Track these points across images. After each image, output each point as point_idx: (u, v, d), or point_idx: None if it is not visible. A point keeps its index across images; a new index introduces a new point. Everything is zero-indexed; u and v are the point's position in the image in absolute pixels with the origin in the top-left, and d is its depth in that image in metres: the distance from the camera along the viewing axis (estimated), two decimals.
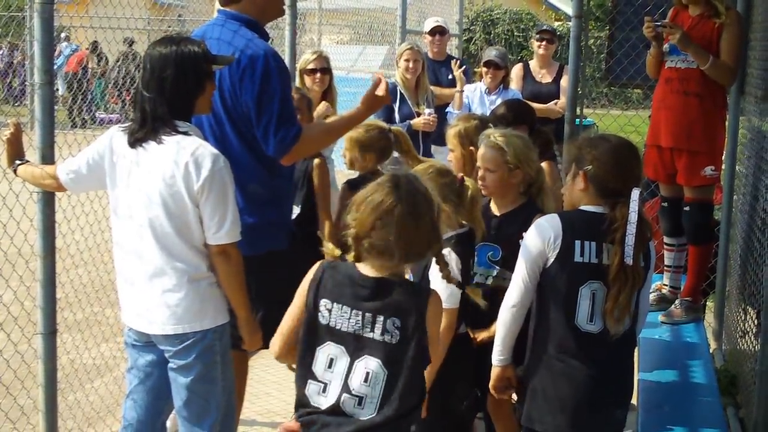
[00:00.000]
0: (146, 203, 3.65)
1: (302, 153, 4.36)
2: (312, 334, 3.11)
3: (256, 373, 6.17)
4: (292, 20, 7.26)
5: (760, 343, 4.63)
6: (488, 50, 8.36)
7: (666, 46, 5.61)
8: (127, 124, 3.78)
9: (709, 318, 7.29)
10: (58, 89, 19.72)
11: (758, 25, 6.11)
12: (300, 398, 3.15)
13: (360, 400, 3.05)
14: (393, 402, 3.03)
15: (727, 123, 6.11)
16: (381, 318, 3.03)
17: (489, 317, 3.97)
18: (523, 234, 3.72)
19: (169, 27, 21.09)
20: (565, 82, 7.84)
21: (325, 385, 3.08)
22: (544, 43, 8.35)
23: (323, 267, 3.15)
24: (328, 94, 6.87)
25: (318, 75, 6.77)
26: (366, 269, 3.08)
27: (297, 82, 6.76)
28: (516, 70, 8.84)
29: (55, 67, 19.61)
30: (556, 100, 8.14)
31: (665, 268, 6.04)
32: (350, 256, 3.11)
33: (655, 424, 4.44)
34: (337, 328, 3.07)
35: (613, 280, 3.47)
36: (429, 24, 8.62)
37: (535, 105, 8.22)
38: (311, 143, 4.34)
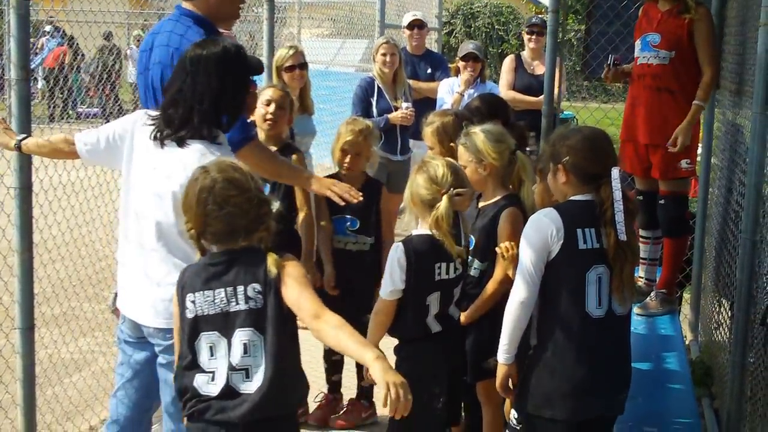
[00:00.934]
0: (157, 200, 3.67)
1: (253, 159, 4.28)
2: (186, 332, 3.22)
3: None
4: (270, 14, 7.27)
5: (733, 334, 4.69)
6: (465, 44, 8.39)
7: (637, 43, 5.66)
8: (155, 116, 3.74)
9: (686, 310, 7.36)
10: (37, 81, 19.66)
11: (732, 20, 6.16)
12: (190, 392, 3.21)
13: (246, 372, 3.13)
14: (275, 363, 3.11)
15: (702, 117, 6.16)
16: (241, 288, 3.15)
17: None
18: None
19: (146, 21, 21.00)
20: (556, 74, 7.85)
21: (213, 373, 3.17)
22: (534, 36, 8.37)
23: (182, 271, 3.33)
24: (303, 89, 6.83)
25: (297, 71, 6.72)
26: (214, 249, 3.24)
27: (273, 79, 6.72)
28: (507, 62, 8.87)
29: (39, 60, 19.61)
30: None
31: (641, 260, 6.09)
32: (198, 256, 3.29)
33: (629, 414, 4.47)
34: (206, 314, 3.17)
35: (613, 259, 3.57)
36: (407, 18, 8.63)
37: (527, 97, 8.31)
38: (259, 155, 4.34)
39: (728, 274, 5.45)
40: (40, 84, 20.29)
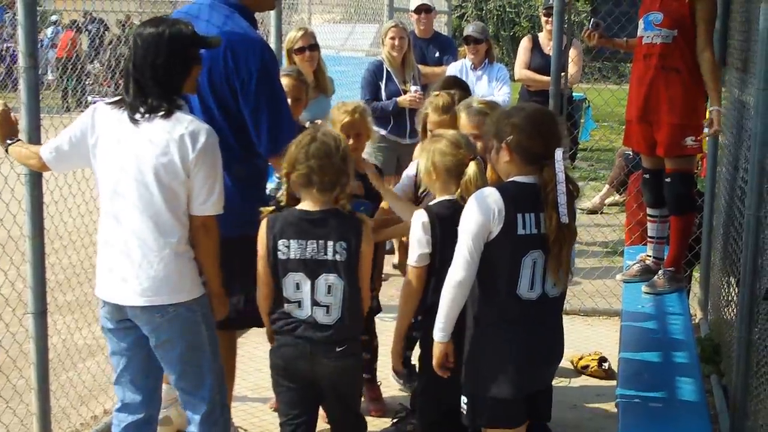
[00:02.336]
0: (137, 173, 3.70)
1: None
2: (276, 270, 3.86)
3: (246, 350, 6.25)
4: (278, 1, 7.30)
5: (738, 310, 4.71)
6: (467, 26, 8.45)
7: (640, 22, 5.66)
8: (113, 100, 3.84)
9: (695, 288, 7.39)
10: (47, 72, 19.70)
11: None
12: (279, 313, 3.92)
13: (327, 308, 3.86)
14: (350, 303, 3.88)
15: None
16: (331, 243, 3.82)
17: None
18: None
19: (158, 11, 21.00)
20: (573, 54, 7.88)
21: (299, 302, 3.87)
22: (551, 18, 8.38)
23: (268, 219, 3.91)
24: (318, 70, 6.83)
25: (307, 53, 6.72)
26: (307, 205, 3.88)
27: (285, 63, 6.73)
28: (524, 43, 8.97)
29: (51, 53, 19.64)
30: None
31: (648, 239, 6.11)
32: (284, 200, 3.93)
33: (635, 392, 4.51)
34: (296, 258, 3.83)
35: (553, 242, 3.58)
36: (414, 2, 8.63)
37: (541, 76, 8.38)
38: None
39: (735, 251, 5.47)
40: (51, 75, 20.36)
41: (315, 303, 3.85)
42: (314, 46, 6.76)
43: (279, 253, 3.85)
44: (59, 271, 6.43)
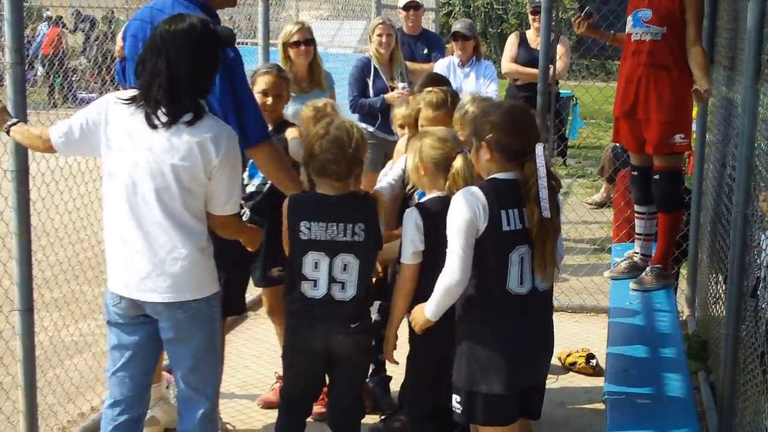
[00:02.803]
0: (157, 173, 3.68)
1: (262, 159, 4.38)
2: (296, 248, 4.07)
3: (234, 347, 6.25)
4: None
5: (726, 306, 4.73)
6: (455, 23, 8.46)
7: (629, 19, 5.66)
8: (127, 95, 3.77)
9: (683, 285, 7.41)
10: (33, 67, 19.62)
11: None
12: (295, 295, 4.10)
13: (343, 285, 4.06)
14: (364, 280, 4.10)
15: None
16: (350, 225, 4.03)
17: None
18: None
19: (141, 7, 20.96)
20: (560, 50, 7.89)
21: (315, 281, 4.06)
22: (538, 16, 8.37)
23: (289, 200, 4.14)
24: (314, 65, 6.81)
25: (302, 47, 6.69)
26: (325, 190, 4.08)
27: (280, 56, 6.72)
28: (511, 38, 9.01)
29: (34, 46, 19.56)
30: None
31: (636, 236, 6.13)
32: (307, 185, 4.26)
33: (622, 388, 4.52)
34: (318, 239, 4.03)
35: (536, 237, 3.60)
36: None
37: (528, 69, 8.41)
38: (268, 158, 4.37)
39: (722, 248, 5.48)
40: (40, 71, 20.30)
41: (332, 280, 4.05)
42: (310, 41, 6.73)
43: (300, 234, 4.05)
44: (46, 268, 6.41)
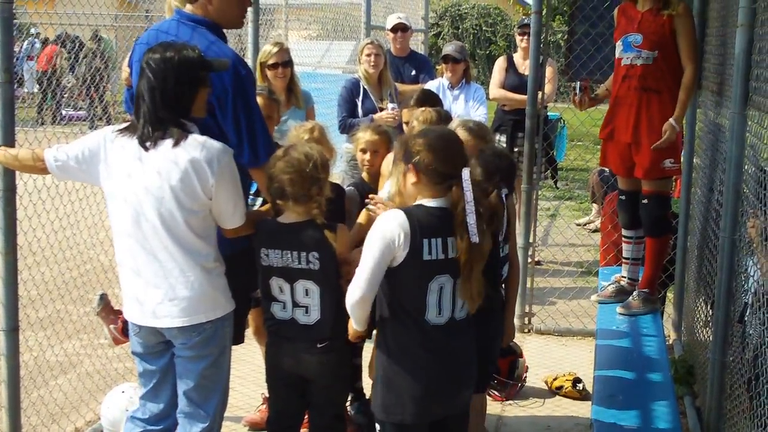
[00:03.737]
0: (157, 199, 3.73)
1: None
2: (261, 272, 4.13)
3: None
4: (255, 17, 7.31)
5: (713, 332, 4.73)
6: (445, 46, 8.49)
7: (618, 44, 5.68)
8: (122, 126, 3.86)
9: (669, 309, 7.41)
10: (22, 84, 19.61)
11: (714, 20, 6.20)
12: (268, 315, 4.16)
13: (306, 309, 4.05)
14: (330, 303, 4.04)
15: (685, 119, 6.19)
16: (304, 253, 4.02)
17: None
18: None
19: (133, 24, 20.99)
20: (549, 72, 7.92)
21: (284, 303, 4.09)
22: (526, 36, 8.42)
23: (258, 224, 4.11)
24: (291, 86, 6.82)
25: (280, 69, 6.71)
26: (286, 218, 4.07)
27: (257, 77, 6.70)
28: (499, 62, 9.01)
29: (32, 64, 19.55)
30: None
31: (623, 260, 6.13)
32: (266, 210, 4.23)
33: (609, 412, 4.51)
34: (275, 266, 4.05)
35: (464, 263, 3.57)
36: (391, 21, 8.63)
37: (515, 95, 8.44)
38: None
39: (709, 273, 5.49)
40: (32, 88, 20.28)
41: (295, 304, 4.07)
42: (287, 63, 6.74)
43: (261, 259, 4.09)
44: (32, 287, 6.37)
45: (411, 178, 3.68)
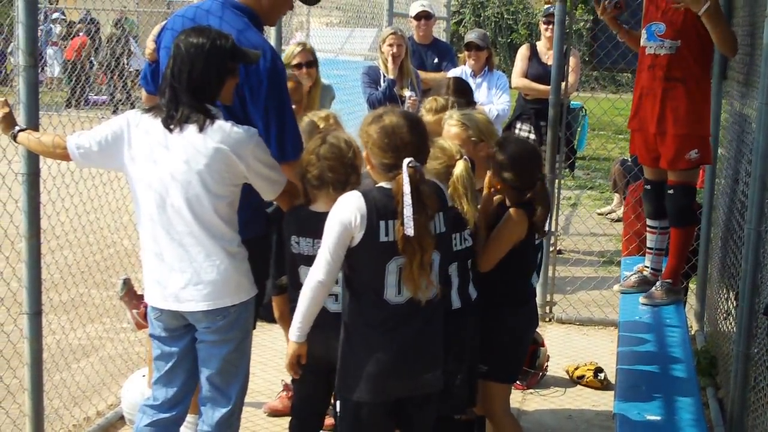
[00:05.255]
0: (183, 186, 3.74)
1: (291, 175, 4.23)
2: (290, 260, 4.11)
3: None
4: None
5: (737, 324, 4.70)
6: (468, 33, 8.45)
7: (643, 32, 5.62)
8: (147, 108, 3.87)
9: (692, 300, 7.38)
10: (44, 69, 19.69)
11: (740, 10, 6.15)
12: (293, 302, 3.91)
13: (336, 297, 3.97)
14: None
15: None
16: None
17: None
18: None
19: (154, 9, 21.02)
20: (572, 62, 7.88)
21: None
22: (550, 26, 8.35)
23: (285, 214, 4.14)
24: (314, 86, 6.80)
25: (305, 69, 6.69)
26: (318, 207, 4.01)
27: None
28: (522, 51, 8.95)
29: (57, 50, 19.65)
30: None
31: (647, 250, 6.09)
32: (302, 199, 4.10)
33: (631, 404, 4.49)
34: (305, 254, 4.00)
35: (402, 251, 3.56)
36: (414, 8, 8.60)
37: (539, 85, 8.40)
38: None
39: (734, 265, 5.46)
40: (57, 72, 20.37)
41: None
42: (312, 63, 6.73)
43: (291, 247, 4.06)
44: (55, 271, 6.41)
45: (367, 164, 3.76)
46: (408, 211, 3.51)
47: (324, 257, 3.64)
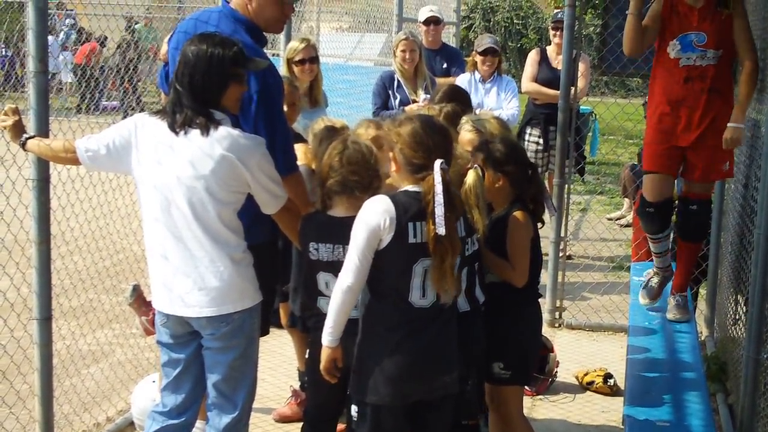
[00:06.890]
0: (188, 189, 3.75)
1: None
2: (308, 267, 4.09)
3: None
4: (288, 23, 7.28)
5: (747, 329, 4.69)
6: (482, 38, 8.43)
7: (674, 43, 5.40)
8: (155, 111, 3.90)
9: (702, 305, 7.36)
10: (54, 75, 19.72)
11: (752, 14, 6.13)
12: (314, 311, 4.09)
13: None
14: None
15: None
16: None
17: None
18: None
19: (166, 15, 21.08)
20: (581, 67, 7.88)
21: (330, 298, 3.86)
22: (559, 32, 8.36)
23: (301, 220, 4.11)
24: (314, 83, 6.81)
25: (307, 65, 6.71)
26: (336, 212, 4.01)
27: (283, 71, 6.70)
28: (532, 55, 8.97)
29: (68, 55, 19.69)
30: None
31: (654, 254, 6.01)
32: (318, 205, 4.11)
33: (641, 409, 4.48)
34: (324, 260, 3.98)
35: (433, 252, 3.59)
36: (423, 13, 8.62)
37: (548, 90, 8.41)
38: (293, 191, 4.22)
39: (743, 270, 5.44)
40: (69, 78, 20.41)
41: None
42: (314, 59, 6.74)
43: (310, 254, 4.03)
44: (65, 277, 6.41)
45: (393, 166, 3.76)
46: (440, 210, 3.55)
47: (353, 261, 3.64)
